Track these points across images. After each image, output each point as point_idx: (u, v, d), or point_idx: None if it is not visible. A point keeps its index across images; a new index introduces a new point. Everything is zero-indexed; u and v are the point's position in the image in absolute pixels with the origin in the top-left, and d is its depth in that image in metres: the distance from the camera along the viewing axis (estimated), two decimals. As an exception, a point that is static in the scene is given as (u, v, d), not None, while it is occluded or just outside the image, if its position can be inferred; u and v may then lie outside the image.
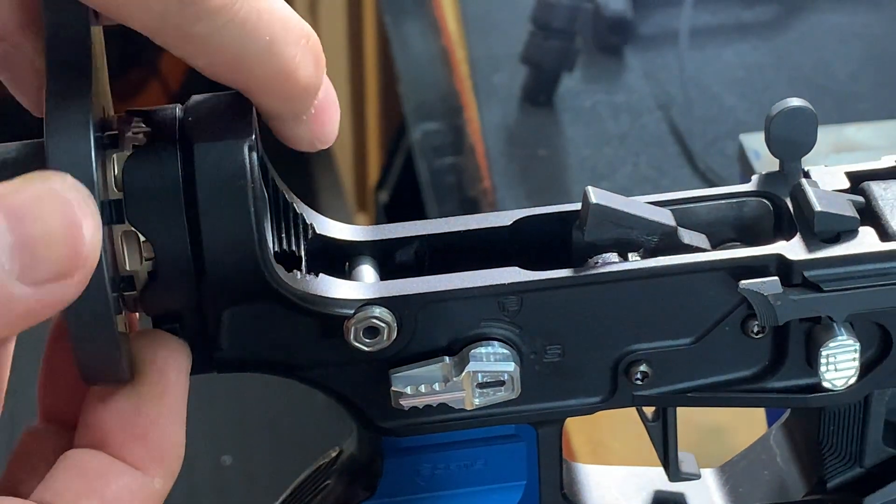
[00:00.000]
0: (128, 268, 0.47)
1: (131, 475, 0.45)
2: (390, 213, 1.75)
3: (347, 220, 2.16)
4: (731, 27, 1.25)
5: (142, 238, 0.47)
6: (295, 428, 2.02)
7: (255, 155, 0.47)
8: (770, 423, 0.61)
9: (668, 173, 1.13)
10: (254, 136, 0.47)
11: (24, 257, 0.41)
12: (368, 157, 1.98)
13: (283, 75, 0.47)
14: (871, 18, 1.25)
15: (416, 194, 1.27)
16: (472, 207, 1.17)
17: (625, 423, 0.58)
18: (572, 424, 1.01)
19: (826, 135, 0.95)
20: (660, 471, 0.57)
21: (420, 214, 1.23)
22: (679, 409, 0.57)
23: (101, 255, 0.43)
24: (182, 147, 0.47)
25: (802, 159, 0.55)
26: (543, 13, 1.18)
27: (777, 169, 0.54)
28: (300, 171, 2.37)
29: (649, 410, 0.57)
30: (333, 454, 0.56)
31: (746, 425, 0.87)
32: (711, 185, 1.07)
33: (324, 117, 0.49)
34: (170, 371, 0.47)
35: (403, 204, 1.69)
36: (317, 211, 0.54)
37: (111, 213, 0.46)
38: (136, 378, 0.47)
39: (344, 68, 1.97)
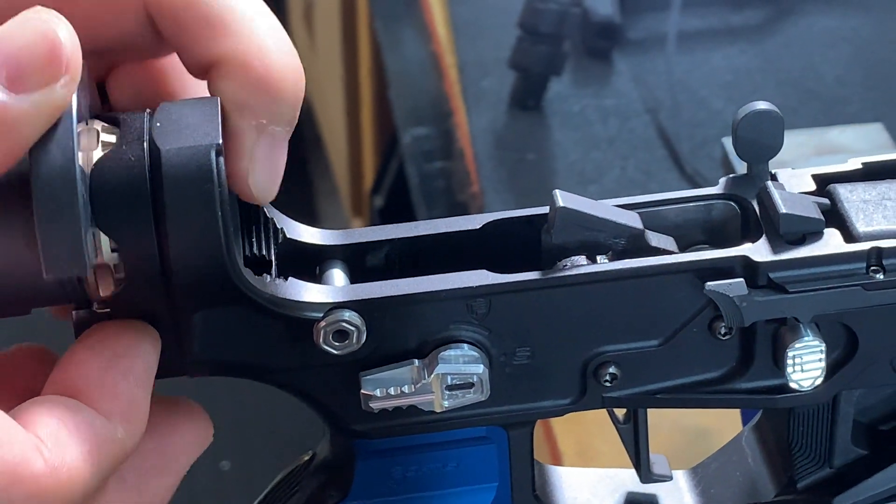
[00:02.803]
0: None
1: (96, 416, 0.46)
2: (385, 218, 1.75)
3: (344, 225, 2.16)
4: (719, 31, 1.25)
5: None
6: (294, 433, 2.02)
7: (222, 159, 0.47)
8: (745, 424, 0.62)
9: (656, 177, 1.13)
10: (220, 141, 0.48)
11: (11, 68, 0.45)
12: (363, 162, 1.98)
13: (260, 54, 0.49)
14: (859, 22, 1.25)
15: (410, 199, 1.27)
16: (461, 212, 1.17)
17: (612, 425, 0.59)
18: (559, 427, 1.02)
19: (809, 137, 0.95)
20: (632, 472, 0.58)
21: (413, 219, 1.23)
22: (663, 411, 0.58)
23: (72, 145, 0.46)
24: (150, 151, 0.47)
25: (777, 161, 0.55)
26: (531, 18, 1.18)
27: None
28: (297, 177, 2.38)
29: (620, 412, 0.57)
30: (306, 458, 0.57)
31: (731, 427, 0.87)
32: (699, 188, 1.07)
33: (273, 163, 0.50)
34: (143, 341, 0.48)
35: (398, 208, 1.69)
36: (314, 217, 0.54)
37: None
38: (108, 339, 0.48)
39: (339, 74, 1.97)
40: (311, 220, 0.54)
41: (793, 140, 0.97)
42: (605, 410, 0.57)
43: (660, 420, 0.58)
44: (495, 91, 1.22)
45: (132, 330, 0.49)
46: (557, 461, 0.99)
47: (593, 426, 1.00)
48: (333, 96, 2.07)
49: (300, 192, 2.32)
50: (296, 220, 0.54)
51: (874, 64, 1.22)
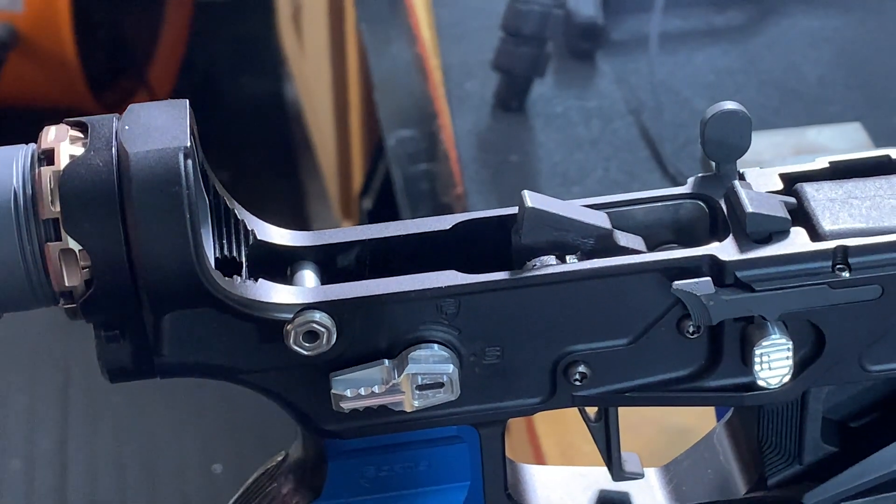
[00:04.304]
0: (66, 284, 0.48)
1: None
2: (374, 220, 1.75)
3: (334, 227, 2.16)
4: (702, 32, 1.25)
5: (78, 247, 0.47)
6: (285, 437, 2.02)
7: (190, 162, 0.48)
8: (719, 419, 0.62)
9: (639, 177, 1.14)
10: (189, 144, 0.48)
11: None
12: (352, 165, 1.98)
13: None
14: (841, 22, 1.25)
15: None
16: (445, 213, 1.17)
17: (594, 424, 0.59)
18: (541, 426, 1.02)
19: (787, 137, 0.96)
20: (604, 471, 0.58)
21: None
22: (644, 411, 0.58)
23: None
24: (118, 155, 0.48)
25: (756, 160, 0.56)
26: (514, 20, 1.18)
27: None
28: (287, 180, 2.38)
29: (592, 411, 0.57)
30: (279, 458, 0.57)
31: (711, 426, 0.87)
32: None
33: None
34: None
35: (387, 211, 1.69)
36: (304, 219, 0.55)
37: (49, 231, 0.48)
38: None
39: (327, 77, 1.97)
40: (300, 222, 0.55)
41: (771, 139, 0.97)
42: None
43: (641, 420, 0.58)
44: (479, 93, 1.22)
45: None
46: (540, 461, 0.99)
47: (576, 426, 1.00)
48: (322, 99, 2.07)
49: (290, 195, 2.33)
50: (286, 222, 0.55)
51: (855, 64, 1.22)
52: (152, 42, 2.56)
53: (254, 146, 2.36)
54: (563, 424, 1.01)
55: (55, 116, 0.50)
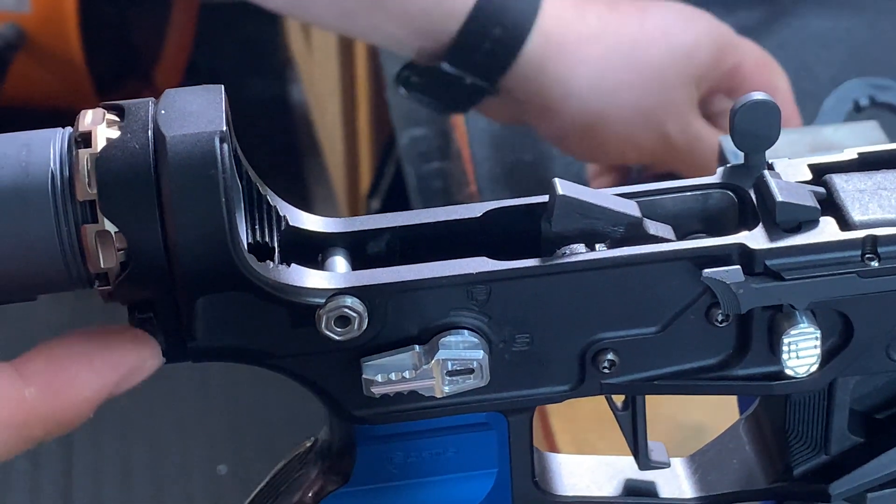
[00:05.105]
0: (102, 266, 0.48)
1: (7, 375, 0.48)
2: (382, 222, 1.75)
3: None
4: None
5: (114, 229, 0.48)
6: (290, 437, 2.03)
7: (226, 146, 0.48)
8: (742, 413, 0.62)
9: (652, 176, 1.14)
10: (225, 128, 0.48)
11: None
12: (360, 166, 1.99)
13: None
14: (853, 23, 1.26)
15: (407, 202, 1.28)
16: (458, 212, 1.17)
17: (610, 421, 0.59)
18: (557, 423, 1.02)
19: (803, 135, 0.96)
20: (630, 460, 0.58)
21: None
22: (661, 408, 0.58)
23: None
24: (155, 138, 0.48)
25: (773, 158, 0.56)
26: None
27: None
28: (294, 181, 2.38)
29: (619, 400, 0.58)
30: (308, 444, 0.57)
31: (728, 423, 0.87)
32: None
33: None
34: (131, 351, 0.49)
35: (394, 211, 1.69)
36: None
37: (85, 212, 0.48)
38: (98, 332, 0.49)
39: (335, 77, 1.98)
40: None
41: (787, 138, 0.97)
42: (602, 406, 0.57)
43: (656, 416, 0.58)
44: (492, 91, 1.22)
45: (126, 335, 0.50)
46: (554, 457, 0.99)
47: (590, 423, 1.00)
48: (330, 100, 2.08)
49: (296, 197, 2.33)
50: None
51: (868, 64, 1.22)
52: (159, 44, 2.56)
53: (260, 148, 2.36)
54: (577, 421, 1.01)
55: (61, 117, 0.50)
